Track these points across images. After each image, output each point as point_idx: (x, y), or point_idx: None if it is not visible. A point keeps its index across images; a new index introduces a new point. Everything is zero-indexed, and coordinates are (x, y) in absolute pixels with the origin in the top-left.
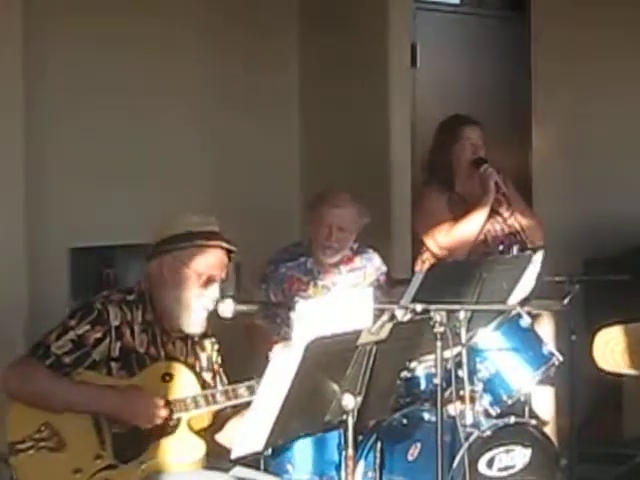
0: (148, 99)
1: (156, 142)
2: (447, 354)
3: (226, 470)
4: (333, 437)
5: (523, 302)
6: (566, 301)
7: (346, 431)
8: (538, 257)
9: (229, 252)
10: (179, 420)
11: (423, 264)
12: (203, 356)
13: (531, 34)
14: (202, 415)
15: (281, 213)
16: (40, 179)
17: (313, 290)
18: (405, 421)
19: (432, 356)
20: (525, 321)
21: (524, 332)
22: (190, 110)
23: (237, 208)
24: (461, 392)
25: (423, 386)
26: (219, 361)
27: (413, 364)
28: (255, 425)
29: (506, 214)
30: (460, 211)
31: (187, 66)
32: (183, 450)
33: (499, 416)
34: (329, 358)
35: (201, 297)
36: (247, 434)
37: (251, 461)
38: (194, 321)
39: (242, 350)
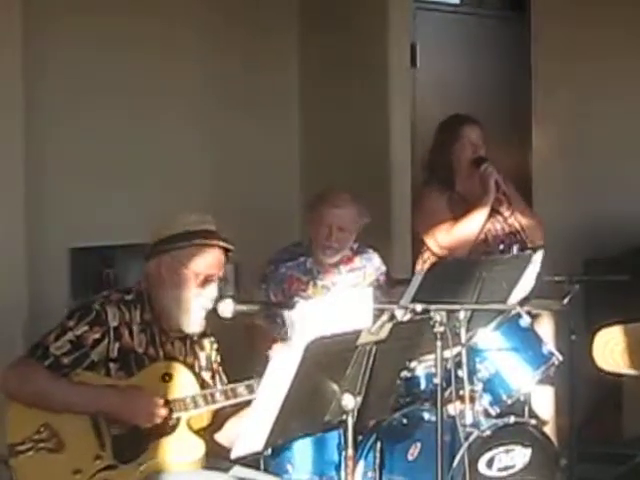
0: (148, 99)
1: (156, 142)
2: (447, 354)
3: (225, 470)
4: (333, 437)
5: (523, 302)
6: (566, 301)
7: (346, 431)
8: (538, 257)
9: (227, 251)
10: (178, 420)
11: (424, 264)
12: (202, 355)
13: (531, 34)
14: (201, 415)
15: (281, 213)
16: (40, 179)
17: (313, 290)
18: (405, 421)
19: (432, 356)
20: (525, 321)
21: (524, 332)
22: (190, 110)
23: (237, 208)
24: (461, 392)
25: (423, 386)
26: (218, 360)
27: (413, 364)
28: (255, 425)
29: (506, 213)
30: (460, 210)
31: (187, 66)
32: (182, 450)
33: (499, 416)
34: (329, 358)
35: (199, 296)
36: (247, 434)
37: (251, 461)
38: (193, 321)
39: (242, 350)
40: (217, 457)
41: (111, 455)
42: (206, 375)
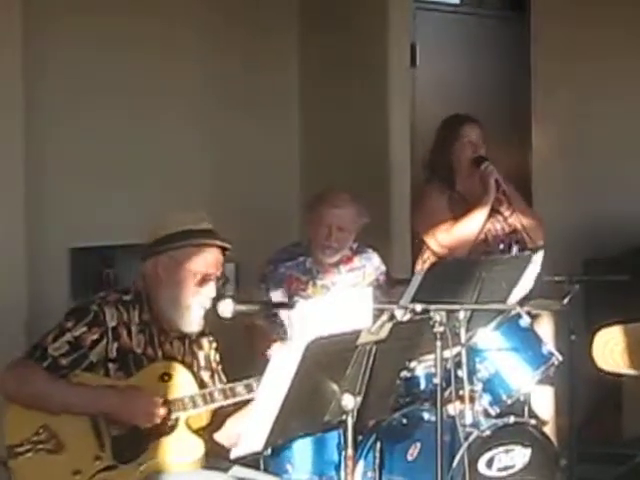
0: (148, 99)
1: (156, 142)
2: (447, 354)
3: (225, 470)
4: (333, 437)
5: (522, 302)
6: (566, 301)
7: (346, 431)
8: (538, 257)
9: (224, 250)
10: (177, 420)
11: (424, 264)
12: (201, 355)
13: (531, 34)
14: (200, 414)
15: (281, 213)
16: (40, 179)
17: (312, 290)
18: (405, 421)
19: (432, 356)
20: (525, 321)
21: (524, 332)
22: (190, 110)
23: (237, 208)
24: (461, 392)
25: (423, 386)
26: (217, 359)
27: (413, 364)
28: (255, 425)
29: (507, 213)
30: (461, 210)
31: (187, 66)
32: (182, 450)
33: (499, 416)
34: (329, 358)
35: (197, 296)
36: (247, 434)
37: (251, 461)
38: (191, 320)
39: (242, 350)
40: (217, 457)
41: (110, 455)
42: (205, 374)
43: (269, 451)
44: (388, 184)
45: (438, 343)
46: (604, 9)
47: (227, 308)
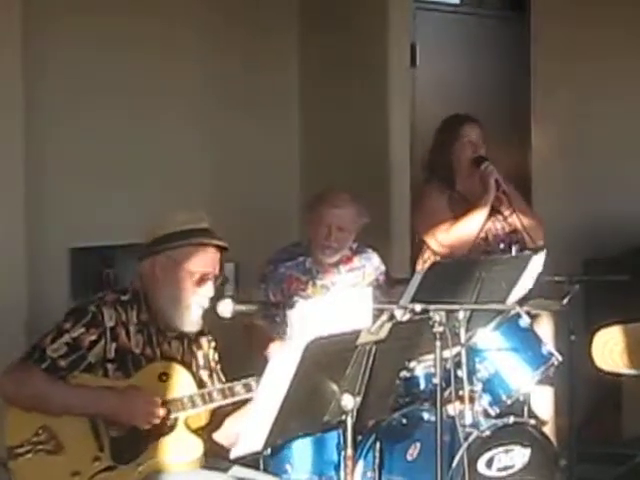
0: (148, 99)
1: (156, 142)
2: (446, 354)
3: (224, 470)
4: (332, 437)
5: (522, 302)
6: (565, 301)
7: (345, 431)
8: (540, 258)
9: (222, 248)
10: (176, 420)
11: (424, 264)
12: (199, 354)
13: (531, 34)
14: (199, 414)
15: (281, 213)
16: (40, 179)
17: (312, 290)
18: (404, 421)
19: (431, 356)
20: (524, 321)
21: (523, 332)
22: (190, 110)
23: (237, 208)
24: (460, 392)
25: (422, 386)
26: (216, 358)
27: (412, 364)
28: (254, 425)
29: (507, 212)
30: (461, 210)
31: (187, 66)
32: (181, 450)
33: (498, 416)
34: (328, 358)
35: (196, 295)
36: (247, 434)
37: (250, 461)
38: (189, 320)
39: (241, 350)
40: (216, 457)
41: (109, 456)
42: (204, 374)
43: (268, 451)
44: (388, 184)
45: (438, 343)
46: (604, 9)
47: (226, 308)
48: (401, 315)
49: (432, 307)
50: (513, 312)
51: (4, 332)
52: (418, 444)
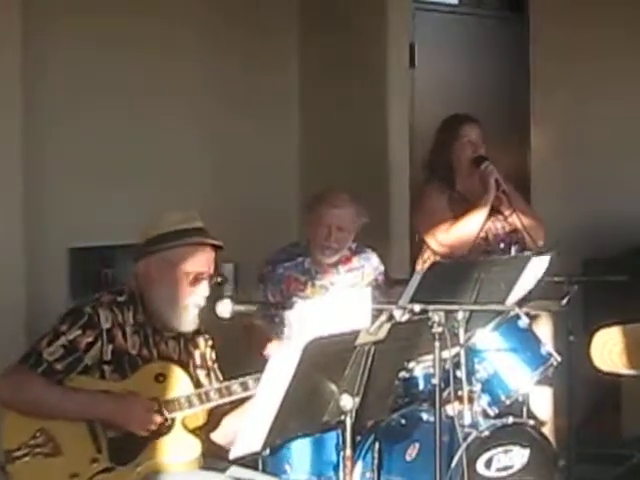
0: (148, 99)
1: (156, 142)
2: (445, 354)
3: (223, 470)
4: (331, 437)
5: (521, 302)
6: (564, 301)
7: (344, 431)
8: (544, 260)
9: (216, 247)
10: (173, 420)
11: (424, 264)
12: (196, 354)
13: (530, 34)
14: (197, 414)
15: (280, 213)
16: (39, 179)
17: (311, 290)
18: (403, 421)
19: (430, 356)
20: (523, 322)
21: (522, 332)
22: (190, 110)
23: (237, 208)
24: (459, 392)
25: (421, 386)
26: (213, 357)
27: (411, 364)
28: (253, 425)
29: (507, 212)
30: (461, 209)
31: (187, 66)
32: (179, 450)
33: (497, 416)
34: (327, 358)
35: (191, 295)
36: (245, 434)
37: (249, 461)
38: (186, 320)
39: (240, 350)
40: (214, 457)
41: (107, 458)
42: (201, 373)
43: (267, 451)
44: (387, 184)
45: (437, 343)
46: (603, 9)
47: (225, 308)
48: (400, 315)
49: (431, 307)
50: (512, 313)
51: (3, 332)
52: (417, 444)
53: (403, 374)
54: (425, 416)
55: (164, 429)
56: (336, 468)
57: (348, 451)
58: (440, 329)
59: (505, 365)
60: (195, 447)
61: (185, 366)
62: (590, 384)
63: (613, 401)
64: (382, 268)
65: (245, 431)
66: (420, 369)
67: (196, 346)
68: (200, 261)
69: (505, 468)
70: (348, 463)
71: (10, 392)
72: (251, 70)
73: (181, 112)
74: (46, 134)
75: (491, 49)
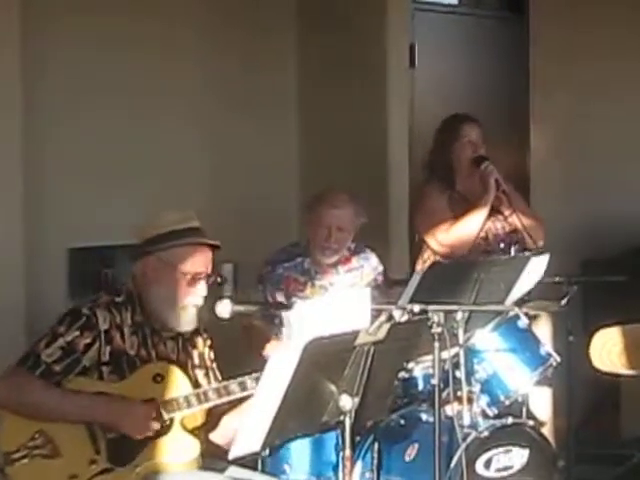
0: (148, 99)
1: (156, 142)
2: (445, 355)
3: (221, 470)
4: (330, 437)
5: (520, 303)
6: (564, 302)
7: (343, 431)
8: (543, 261)
9: (213, 247)
10: (172, 420)
11: (424, 264)
12: (195, 353)
13: (529, 35)
14: (195, 414)
15: (280, 213)
16: (39, 179)
17: (310, 290)
18: (403, 422)
19: (430, 357)
20: (523, 322)
21: (522, 333)
22: (190, 110)
23: (236, 208)
24: (459, 393)
25: (421, 387)
26: (212, 356)
27: (411, 365)
28: (253, 425)
29: (507, 212)
30: (461, 209)
31: (187, 66)
32: (177, 450)
33: (497, 417)
34: (327, 359)
35: (189, 295)
36: (245, 434)
37: (248, 461)
38: (184, 320)
39: (240, 350)
40: (213, 457)
41: (106, 459)
42: (199, 373)
43: (267, 451)
44: (387, 184)
45: (436, 344)
46: (602, 10)
47: (225, 309)
48: (399, 316)
49: (430, 308)
50: (511, 313)
51: (3, 332)
52: (416, 445)
53: (402, 374)
54: (424, 416)
55: (163, 429)
56: (335, 468)
57: (347, 451)
58: (439, 329)
59: (504, 365)
60: (194, 447)
61: (183, 366)
62: (589, 384)
63: (612, 401)
64: (381, 268)
65: (244, 431)
66: (419, 369)
67: (194, 346)
68: (198, 261)
69: (504, 468)
70: (347, 463)
71: (9, 394)
72: (250, 70)
73: (181, 112)
74: (46, 134)
75: (491, 49)
